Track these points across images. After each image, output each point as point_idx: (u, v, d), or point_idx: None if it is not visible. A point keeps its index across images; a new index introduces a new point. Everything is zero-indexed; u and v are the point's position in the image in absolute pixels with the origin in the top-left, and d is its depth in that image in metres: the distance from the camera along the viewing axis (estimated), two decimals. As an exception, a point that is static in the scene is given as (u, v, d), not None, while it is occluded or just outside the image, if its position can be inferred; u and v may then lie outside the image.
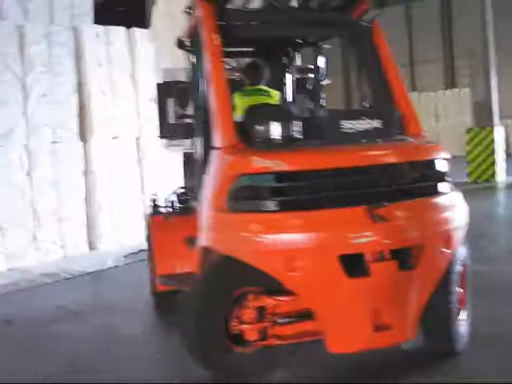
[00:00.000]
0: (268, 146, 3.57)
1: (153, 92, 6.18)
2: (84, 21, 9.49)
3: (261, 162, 3.33)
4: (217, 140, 3.69)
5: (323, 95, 5.25)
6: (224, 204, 3.39)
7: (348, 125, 3.56)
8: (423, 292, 3.46)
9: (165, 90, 5.32)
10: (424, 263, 3.34)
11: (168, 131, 5.39)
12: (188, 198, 5.44)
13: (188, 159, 5.38)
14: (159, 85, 5.52)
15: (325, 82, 5.29)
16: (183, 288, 4.46)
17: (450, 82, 25.67)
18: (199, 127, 4.39)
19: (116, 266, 7.70)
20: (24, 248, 7.90)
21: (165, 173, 9.03)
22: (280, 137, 3.61)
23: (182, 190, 5.64)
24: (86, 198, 8.59)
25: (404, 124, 3.93)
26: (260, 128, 3.64)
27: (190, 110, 5.12)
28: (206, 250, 3.64)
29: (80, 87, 8.62)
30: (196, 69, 4.57)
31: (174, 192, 5.74)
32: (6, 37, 7.90)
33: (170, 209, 5.67)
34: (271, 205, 3.26)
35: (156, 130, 5.33)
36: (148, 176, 9.12)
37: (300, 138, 3.65)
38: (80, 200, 8.52)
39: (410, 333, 3.50)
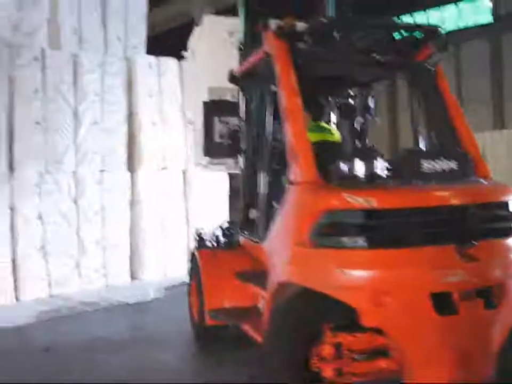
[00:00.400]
0: (352, 183, 3.61)
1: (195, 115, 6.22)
2: (137, 51, 9.63)
3: (350, 199, 3.36)
4: (296, 175, 3.74)
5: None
6: (308, 239, 3.43)
7: (427, 165, 3.64)
8: (502, 330, 3.49)
9: (211, 108, 5.46)
10: (505, 302, 3.44)
11: (213, 150, 5.51)
12: (233, 232, 5.46)
13: (235, 193, 5.49)
14: (205, 103, 5.63)
15: (374, 121, 5.38)
16: (235, 322, 4.52)
17: (499, 124, 25.19)
18: (264, 162, 4.44)
19: (158, 298, 7.59)
20: (67, 275, 7.87)
21: (210, 206, 9.00)
22: (362, 175, 3.68)
23: (227, 224, 5.65)
24: (131, 227, 8.57)
25: (473, 165, 3.98)
26: (342, 165, 3.69)
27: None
28: (282, 285, 3.66)
29: (131, 117, 8.69)
30: (259, 104, 4.62)
31: (219, 226, 5.73)
32: (62, 65, 8.03)
33: (215, 243, 5.66)
34: (360, 241, 3.30)
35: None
36: (193, 208, 9.06)
37: (381, 177, 3.70)
38: (125, 229, 8.50)
39: (491, 370, 3.47)
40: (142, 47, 9.79)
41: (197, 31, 7.12)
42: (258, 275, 4.48)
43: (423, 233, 3.36)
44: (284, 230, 3.83)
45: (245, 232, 5.18)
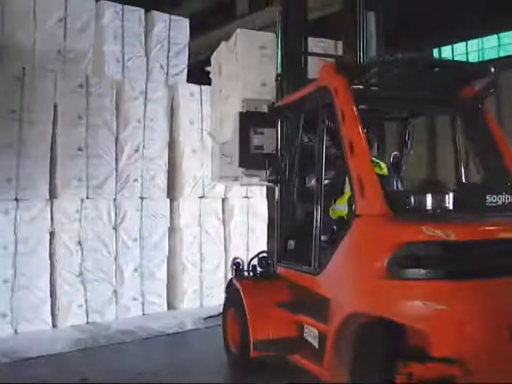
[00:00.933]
0: (422, 215, 3.69)
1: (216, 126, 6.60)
2: (179, 79, 9.69)
3: (429, 231, 3.41)
4: (364, 208, 3.79)
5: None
6: (385, 271, 3.46)
7: (491, 198, 3.81)
8: None
9: (247, 119, 5.62)
10: None
11: (248, 161, 5.66)
12: (270, 262, 5.48)
13: (272, 223, 5.56)
14: (241, 114, 5.80)
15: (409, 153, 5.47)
16: (283, 353, 4.58)
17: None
18: (317, 194, 4.44)
19: (196, 329, 7.42)
20: (104, 303, 7.80)
21: (249, 234, 8.93)
22: (429, 208, 3.76)
23: (265, 254, 5.65)
24: (169, 255, 8.47)
25: None
26: (414, 198, 3.75)
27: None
28: (354, 315, 3.70)
29: (172, 144, 8.66)
30: (303, 135, 4.72)
31: (256, 256, 5.70)
32: (105, 92, 8.06)
33: (252, 273, 5.66)
34: (439, 273, 3.37)
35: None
36: (232, 237, 8.92)
37: (448, 209, 3.78)
38: (163, 257, 8.41)
39: None
40: (184, 75, 9.85)
41: (225, 45, 7.12)
42: (304, 305, 4.59)
43: (501, 265, 3.42)
44: (353, 261, 3.86)
45: (285, 263, 5.18)
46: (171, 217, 8.53)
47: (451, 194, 3.81)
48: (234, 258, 5.95)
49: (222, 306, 6.05)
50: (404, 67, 4.24)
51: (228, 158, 6.52)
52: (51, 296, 7.48)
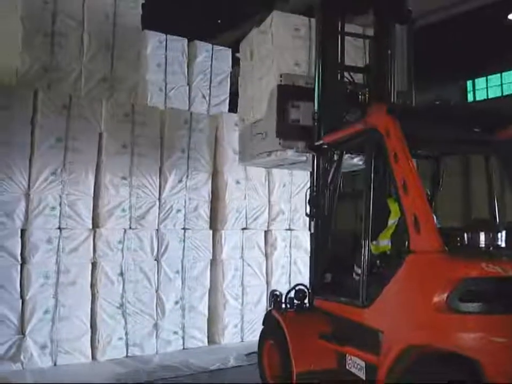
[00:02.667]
0: (479, 252, 3.87)
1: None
2: (221, 109, 9.65)
3: (488, 268, 3.53)
4: (420, 244, 3.90)
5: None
6: (446, 305, 3.57)
7: None
8: None
9: (285, 92, 5.93)
10: None
11: (286, 132, 5.96)
12: (307, 294, 5.55)
13: (317, 255, 5.54)
14: (279, 87, 6.09)
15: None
16: None
17: None
18: (365, 230, 4.52)
19: (239, 366, 7.18)
20: (145, 336, 7.64)
21: (291, 268, 8.77)
22: (481, 245, 3.97)
23: (301, 287, 5.66)
24: (211, 288, 8.29)
25: None
26: (467, 236, 3.98)
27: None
28: (413, 347, 3.79)
29: (215, 175, 8.55)
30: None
31: (294, 288, 5.71)
32: (150, 121, 8.00)
33: (290, 305, 5.65)
34: (500, 307, 3.50)
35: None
36: (274, 270, 8.73)
37: (500, 247, 3.97)
38: (205, 290, 8.24)
39: None
40: (226, 104, 9.82)
41: (257, 30, 7.18)
42: (349, 336, 4.66)
43: None
44: (410, 295, 3.94)
45: (324, 295, 5.29)
46: (213, 248, 8.36)
47: (503, 232, 4.00)
48: (273, 291, 5.98)
49: (259, 337, 6.02)
50: (448, 113, 4.65)
51: (260, 135, 6.69)
52: (91, 328, 7.33)
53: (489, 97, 22.21)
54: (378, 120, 4.41)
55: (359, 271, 4.62)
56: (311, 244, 5.78)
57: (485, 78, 22.37)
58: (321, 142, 5.48)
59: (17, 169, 7.03)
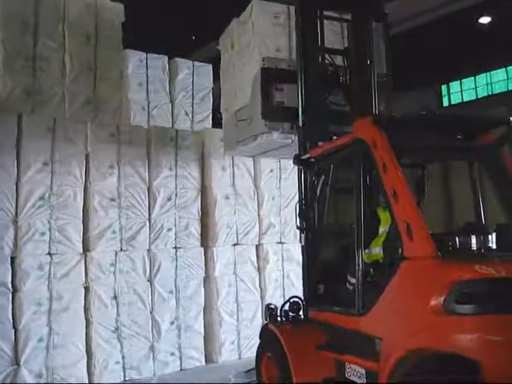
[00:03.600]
0: (471, 256, 3.97)
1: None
2: (204, 125, 9.62)
3: (482, 270, 3.61)
4: (414, 251, 3.98)
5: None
6: (442, 308, 3.63)
7: None
8: None
9: (268, 75, 6.10)
10: None
11: (270, 113, 6.09)
12: (301, 306, 5.56)
13: (309, 267, 5.60)
14: (263, 70, 6.23)
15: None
16: None
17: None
18: (358, 240, 4.58)
19: (240, 384, 7.12)
20: (142, 358, 7.52)
21: (284, 281, 8.71)
22: (472, 248, 4.07)
23: (296, 299, 5.68)
24: (205, 306, 8.21)
25: None
26: (458, 240, 4.08)
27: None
28: (413, 351, 3.82)
29: (204, 191, 8.48)
30: (334, 183, 5.12)
31: (288, 301, 5.73)
32: (135, 140, 7.93)
33: (285, 318, 5.65)
34: (495, 307, 3.55)
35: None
36: (267, 284, 8.67)
37: (491, 249, 4.08)
38: (199, 309, 8.15)
39: None
40: (209, 120, 9.80)
41: (237, 21, 7.30)
42: (347, 345, 4.67)
43: None
44: (407, 301, 3.99)
45: (319, 306, 5.33)
46: (205, 266, 8.29)
47: (493, 235, 4.10)
48: (268, 304, 5.97)
49: (256, 351, 6.00)
50: (433, 121, 4.70)
51: (245, 121, 6.77)
52: (87, 353, 7.21)
53: (464, 100, 22.49)
54: (365, 132, 4.49)
55: (353, 280, 4.67)
56: (302, 256, 5.82)
57: (459, 81, 22.65)
58: (308, 155, 5.53)
59: (4, 196, 6.91)
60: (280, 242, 8.86)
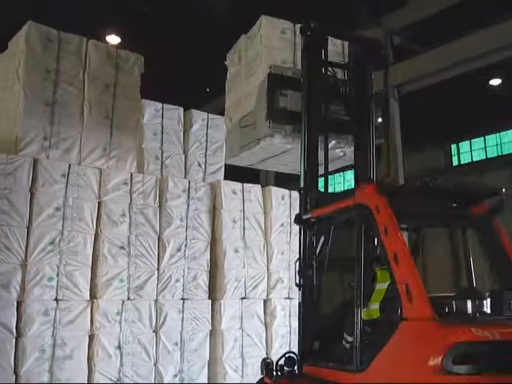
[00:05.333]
0: (467, 319, 4.17)
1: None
2: (216, 177, 9.64)
3: (479, 333, 3.83)
4: (413, 312, 4.15)
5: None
6: (438, 367, 3.79)
7: None
8: None
9: (275, 80, 6.51)
10: None
11: (275, 115, 6.48)
12: (296, 361, 5.52)
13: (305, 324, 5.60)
14: (270, 75, 6.63)
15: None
16: None
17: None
18: (357, 299, 4.66)
19: None
20: (143, 413, 7.36)
21: (291, 337, 8.59)
22: (468, 312, 4.26)
23: (291, 354, 5.63)
24: (210, 360, 8.08)
25: None
26: (455, 303, 4.27)
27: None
28: None
29: (213, 243, 8.46)
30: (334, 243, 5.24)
31: (284, 356, 5.67)
32: (148, 190, 7.97)
33: (280, 373, 5.62)
34: (489, 367, 3.75)
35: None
36: (274, 340, 8.55)
37: (485, 313, 4.30)
38: (204, 362, 8.03)
39: None
40: (222, 172, 9.82)
41: (245, 36, 7.71)
42: None
43: None
44: (405, 359, 4.14)
45: (314, 362, 5.31)
46: (212, 319, 8.19)
47: (488, 300, 4.35)
48: (265, 358, 5.97)
49: None
50: (429, 190, 4.84)
51: (249, 127, 7.10)
52: (87, 408, 7.07)
53: (474, 160, 22.58)
54: (369, 199, 4.73)
55: (349, 338, 4.80)
56: (299, 313, 5.84)
57: (468, 141, 22.80)
58: (309, 215, 5.69)
59: (14, 239, 6.92)
60: (288, 298, 8.79)
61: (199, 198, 8.43)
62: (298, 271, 5.66)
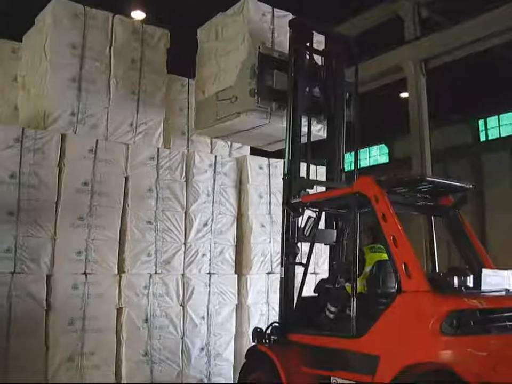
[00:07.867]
0: (456, 291, 4.84)
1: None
2: (241, 152, 9.62)
3: (470, 302, 4.65)
4: (411, 286, 4.86)
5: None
6: (438, 331, 4.53)
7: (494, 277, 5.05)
8: None
9: (264, 59, 7.09)
10: None
11: (263, 92, 7.02)
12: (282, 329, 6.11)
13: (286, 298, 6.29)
14: (261, 54, 7.14)
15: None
16: None
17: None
18: (353, 274, 5.39)
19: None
20: (169, 384, 7.46)
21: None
22: (460, 285, 4.94)
23: (276, 324, 6.21)
24: (236, 334, 8.15)
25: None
26: (448, 279, 4.98)
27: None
28: (412, 365, 4.61)
29: (240, 218, 8.48)
30: (352, 229, 5.64)
31: (270, 325, 6.21)
32: (175, 165, 7.98)
33: (268, 340, 6.13)
34: (479, 330, 4.51)
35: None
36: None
37: (469, 286, 5.01)
38: (230, 336, 8.10)
39: None
40: (247, 148, 9.78)
41: (223, 14, 8.09)
42: (339, 363, 5.32)
43: None
44: (406, 325, 4.82)
45: (298, 330, 5.96)
46: (239, 293, 8.24)
47: (471, 276, 5.05)
48: (256, 328, 6.42)
49: (239, 373, 6.40)
50: (411, 184, 5.69)
51: (227, 100, 7.53)
52: (115, 376, 7.18)
53: (502, 135, 22.15)
54: (367, 188, 5.40)
55: (333, 309, 5.79)
56: (280, 287, 6.36)
57: (496, 116, 22.40)
58: (298, 200, 6.31)
59: (43, 213, 6.98)
60: (314, 273, 8.77)
61: (225, 173, 8.42)
62: (286, 249, 6.30)
